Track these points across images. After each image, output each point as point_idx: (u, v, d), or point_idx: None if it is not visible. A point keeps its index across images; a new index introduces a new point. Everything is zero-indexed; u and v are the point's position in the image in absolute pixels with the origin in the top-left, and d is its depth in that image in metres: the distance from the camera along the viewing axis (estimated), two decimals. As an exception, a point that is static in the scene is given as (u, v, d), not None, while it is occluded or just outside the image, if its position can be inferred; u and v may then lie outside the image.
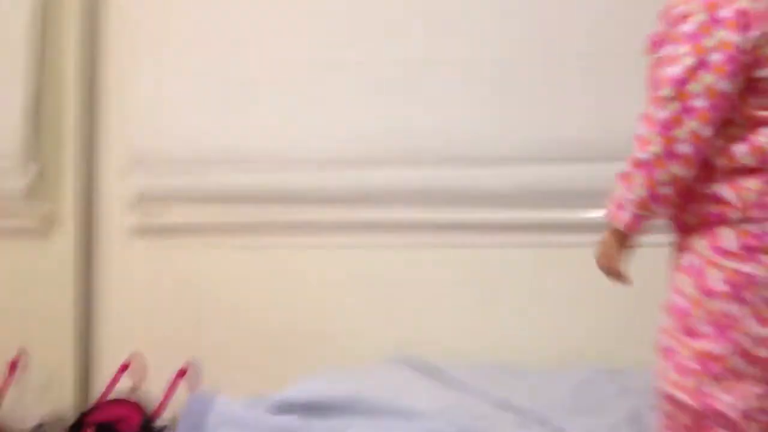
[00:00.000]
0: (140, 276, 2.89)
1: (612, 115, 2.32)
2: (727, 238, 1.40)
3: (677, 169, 1.37)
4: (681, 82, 1.33)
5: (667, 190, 1.39)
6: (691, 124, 1.33)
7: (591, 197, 2.37)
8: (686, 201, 1.44)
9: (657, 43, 1.46)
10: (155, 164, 2.80)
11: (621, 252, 1.46)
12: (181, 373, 2.71)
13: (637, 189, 1.39)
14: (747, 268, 1.38)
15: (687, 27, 1.35)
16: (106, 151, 2.90)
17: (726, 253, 1.40)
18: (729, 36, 1.32)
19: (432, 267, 2.66)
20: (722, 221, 1.41)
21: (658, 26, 1.46)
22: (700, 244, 1.44)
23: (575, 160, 2.43)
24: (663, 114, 1.35)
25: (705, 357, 1.41)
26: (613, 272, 1.48)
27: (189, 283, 2.86)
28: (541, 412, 2.05)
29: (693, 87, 1.32)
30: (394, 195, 2.65)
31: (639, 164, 1.38)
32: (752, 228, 1.39)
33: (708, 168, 1.41)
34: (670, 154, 1.35)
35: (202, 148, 2.78)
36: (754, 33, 1.34)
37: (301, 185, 2.71)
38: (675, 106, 1.33)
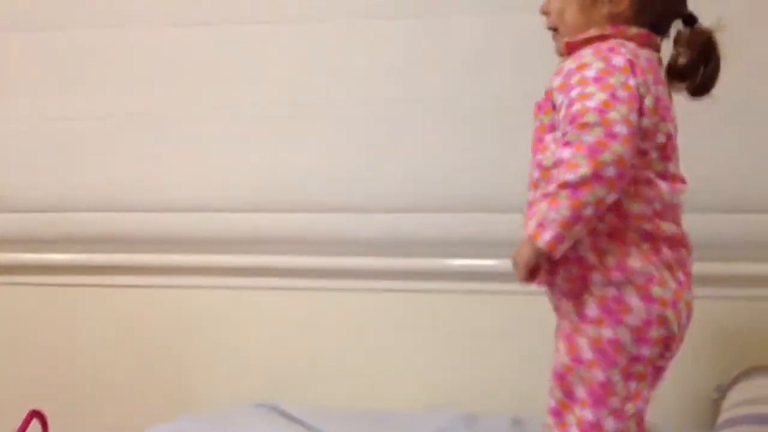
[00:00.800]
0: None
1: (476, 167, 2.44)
2: (588, 303, 1.47)
3: (602, 192, 1.40)
4: (602, 111, 1.40)
5: (590, 212, 1.42)
6: (616, 148, 1.38)
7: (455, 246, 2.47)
8: (559, 265, 1.50)
9: (541, 107, 1.55)
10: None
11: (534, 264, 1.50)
12: (33, 415, 2.60)
13: (562, 209, 1.41)
14: (608, 332, 1.46)
15: (589, 72, 1.45)
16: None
17: (587, 318, 1.48)
18: (627, 79, 1.44)
19: (294, 311, 2.64)
20: (586, 285, 1.48)
21: (544, 94, 1.55)
22: (569, 307, 1.52)
23: (439, 210, 2.50)
24: (589, 138, 1.40)
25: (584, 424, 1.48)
26: (530, 278, 1.51)
27: (37, 328, 2.77)
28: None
29: (612, 115, 1.39)
30: (252, 239, 2.64)
31: (566, 186, 1.41)
32: (611, 292, 1.46)
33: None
34: (597, 177, 1.39)
35: (47, 191, 2.75)
36: (640, 79, 1.45)
37: (156, 228, 2.69)
38: (599, 131, 1.39)
